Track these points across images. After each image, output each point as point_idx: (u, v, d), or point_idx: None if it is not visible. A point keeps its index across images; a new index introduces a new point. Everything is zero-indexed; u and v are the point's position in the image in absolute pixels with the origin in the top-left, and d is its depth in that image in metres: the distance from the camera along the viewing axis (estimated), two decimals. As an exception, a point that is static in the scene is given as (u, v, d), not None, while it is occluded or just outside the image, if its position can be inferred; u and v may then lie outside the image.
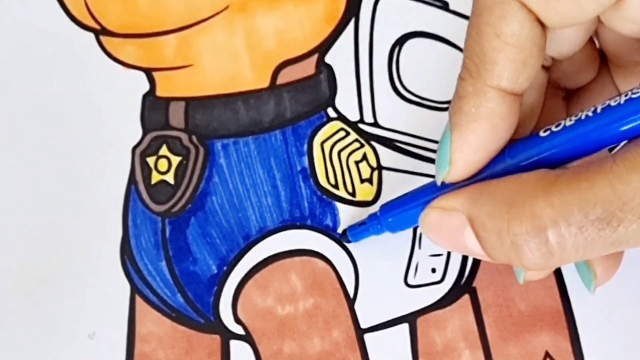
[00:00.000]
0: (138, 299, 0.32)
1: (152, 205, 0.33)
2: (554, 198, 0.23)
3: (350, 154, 0.34)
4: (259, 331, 0.32)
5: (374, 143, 0.34)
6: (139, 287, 0.33)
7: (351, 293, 0.32)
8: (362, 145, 0.34)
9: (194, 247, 0.33)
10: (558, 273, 0.32)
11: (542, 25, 0.24)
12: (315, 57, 0.35)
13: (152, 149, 0.34)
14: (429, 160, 0.34)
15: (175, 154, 0.34)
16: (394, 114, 0.34)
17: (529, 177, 0.24)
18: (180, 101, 0.35)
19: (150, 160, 0.34)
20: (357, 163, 0.34)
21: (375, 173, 0.34)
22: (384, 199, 0.33)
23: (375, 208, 0.31)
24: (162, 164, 0.34)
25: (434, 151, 0.34)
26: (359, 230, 0.31)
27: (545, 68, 0.28)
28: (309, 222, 0.33)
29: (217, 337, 0.32)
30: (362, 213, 0.33)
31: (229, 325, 0.32)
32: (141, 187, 0.34)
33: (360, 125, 0.34)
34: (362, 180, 0.34)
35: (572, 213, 0.22)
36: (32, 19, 0.36)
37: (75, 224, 0.33)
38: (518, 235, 0.23)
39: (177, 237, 0.33)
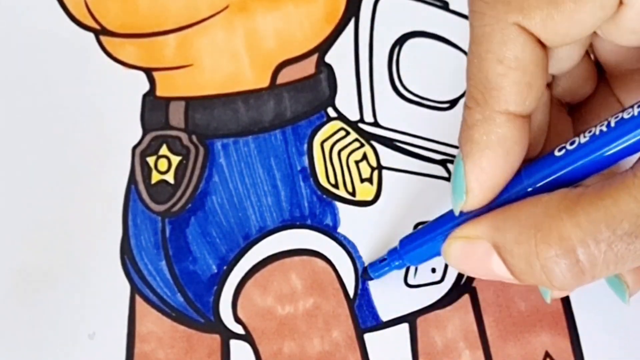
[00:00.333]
0: (138, 299, 0.32)
1: (152, 205, 0.33)
2: (580, 218, 0.23)
3: (350, 153, 0.34)
4: (259, 331, 0.32)
5: (374, 143, 0.34)
6: (139, 286, 0.33)
7: (351, 293, 0.32)
8: (362, 145, 0.34)
9: (194, 246, 0.33)
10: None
11: (543, 45, 0.24)
12: (315, 56, 0.35)
13: (152, 148, 0.34)
14: (429, 160, 0.34)
15: (175, 153, 0.34)
16: (394, 114, 0.34)
17: (551, 199, 0.24)
18: (180, 101, 0.35)
19: (150, 160, 0.34)
20: (357, 163, 0.34)
21: (375, 173, 0.34)
22: (384, 198, 0.33)
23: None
24: (162, 164, 0.34)
25: (434, 151, 0.34)
26: (381, 266, 0.31)
27: (547, 86, 0.28)
28: (309, 221, 0.33)
29: (217, 337, 0.32)
30: (362, 212, 0.33)
31: (229, 325, 0.32)
32: (141, 186, 0.34)
33: (360, 125, 0.34)
34: (362, 180, 0.34)
35: (600, 231, 0.22)
36: (32, 19, 0.36)
37: (75, 224, 0.33)
38: (548, 258, 0.23)
39: (177, 236, 0.33)
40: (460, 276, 0.32)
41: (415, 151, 0.34)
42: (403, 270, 0.32)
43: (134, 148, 0.34)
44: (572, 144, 0.24)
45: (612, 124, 0.24)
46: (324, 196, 0.33)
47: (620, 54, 0.27)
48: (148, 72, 0.35)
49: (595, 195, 0.23)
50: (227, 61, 0.35)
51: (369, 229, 0.33)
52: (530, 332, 0.31)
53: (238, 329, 0.32)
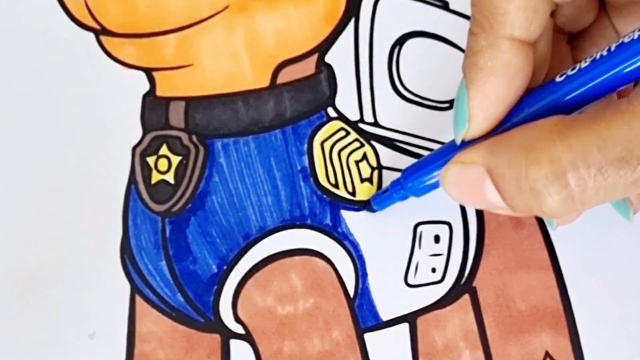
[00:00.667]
0: (138, 299, 0.32)
1: (152, 205, 0.33)
2: (571, 140, 0.22)
3: (350, 153, 0.34)
4: (259, 330, 0.32)
5: (374, 142, 0.34)
6: (139, 286, 0.33)
7: (351, 293, 0.32)
8: (362, 145, 0.34)
9: (194, 246, 0.33)
10: (558, 273, 0.32)
11: None
12: (315, 56, 0.35)
13: (152, 148, 0.34)
14: (429, 160, 0.34)
15: (176, 153, 0.34)
16: (394, 114, 0.34)
17: (545, 123, 0.24)
18: (180, 101, 0.35)
19: (151, 160, 0.34)
20: (357, 162, 0.34)
21: (375, 172, 0.34)
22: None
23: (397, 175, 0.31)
24: (162, 164, 0.34)
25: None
26: (383, 198, 0.31)
27: (550, 14, 0.28)
28: (309, 221, 0.33)
29: (217, 337, 0.32)
30: (361, 212, 0.33)
31: (229, 325, 0.32)
32: (141, 186, 0.34)
33: (361, 125, 0.34)
34: (362, 180, 0.34)
35: (590, 153, 0.22)
36: (32, 19, 0.36)
37: (75, 224, 0.33)
38: (537, 180, 0.23)
39: (177, 236, 0.33)
40: (460, 276, 0.32)
41: (415, 151, 0.34)
42: (403, 270, 0.32)
43: (134, 148, 0.34)
44: (573, 69, 0.24)
45: (613, 49, 0.23)
46: (324, 196, 0.33)
47: None
48: (148, 72, 0.35)
49: (589, 119, 0.22)
50: (227, 61, 0.35)
51: (369, 228, 0.33)
52: (530, 332, 0.31)
53: (238, 329, 0.32)
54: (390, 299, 0.32)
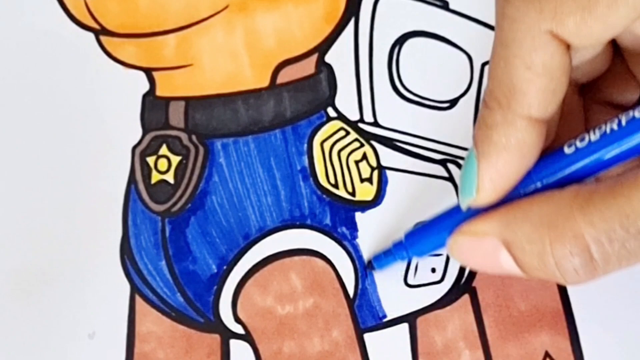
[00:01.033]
0: (138, 299, 0.32)
1: (152, 205, 0.33)
2: (593, 217, 0.23)
3: (350, 153, 0.34)
4: (259, 330, 0.32)
5: (373, 142, 0.34)
6: (139, 286, 0.33)
7: (351, 293, 0.32)
8: (362, 145, 0.34)
9: (193, 246, 0.33)
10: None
11: (569, 48, 0.24)
12: (315, 56, 0.35)
13: (152, 148, 0.34)
14: (429, 160, 0.34)
15: (175, 153, 0.34)
16: (394, 114, 0.34)
17: (563, 196, 0.24)
18: (180, 101, 0.35)
19: (150, 160, 0.34)
20: (357, 162, 0.34)
21: (375, 172, 0.34)
22: (384, 198, 0.33)
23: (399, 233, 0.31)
24: (162, 164, 0.34)
25: (434, 151, 0.34)
26: (385, 258, 0.32)
27: None
28: (308, 221, 0.33)
29: (217, 337, 0.32)
30: (361, 212, 0.33)
31: (228, 325, 0.32)
32: (141, 186, 0.34)
33: (360, 125, 0.34)
34: (362, 180, 0.34)
35: (613, 230, 0.23)
36: (32, 19, 0.36)
37: (75, 224, 0.33)
38: (562, 257, 0.24)
39: (177, 236, 0.33)
40: (460, 276, 0.32)
41: (415, 151, 0.34)
42: (403, 270, 0.32)
43: (134, 148, 0.34)
44: (582, 140, 0.25)
45: (623, 123, 0.24)
46: (324, 196, 0.33)
47: None
48: (148, 72, 0.35)
49: (608, 193, 0.23)
50: (227, 61, 0.35)
51: (369, 228, 0.33)
52: (530, 332, 0.31)
53: (238, 329, 0.32)
54: (390, 299, 0.32)
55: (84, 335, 0.32)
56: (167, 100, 0.35)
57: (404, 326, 0.32)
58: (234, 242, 0.33)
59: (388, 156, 0.34)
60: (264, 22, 0.36)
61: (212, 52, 0.35)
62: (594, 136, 0.24)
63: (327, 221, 0.33)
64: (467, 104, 0.35)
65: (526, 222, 0.24)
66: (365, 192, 0.33)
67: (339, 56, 0.35)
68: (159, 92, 0.35)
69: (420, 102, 0.35)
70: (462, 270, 0.32)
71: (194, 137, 0.34)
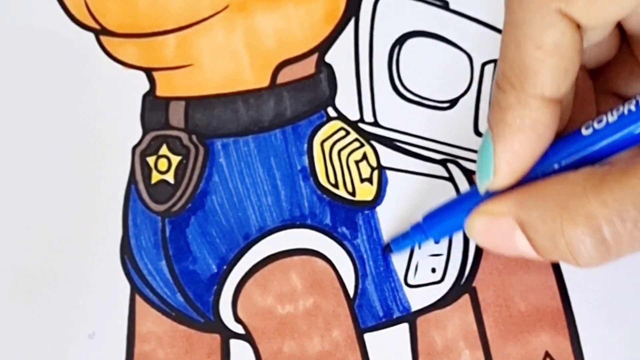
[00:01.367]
0: (138, 299, 0.32)
1: (152, 205, 0.33)
2: (606, 196, 0.23)
3: (350, 153, 0.34)
4: (259, 330, 0.32)
5: (374, 142, 0.34)
6: (139, 286, 0.33)
7: (351, 293, 0.32)
8: (362, 145, 0.34)
9: (193, 246, 0.33)
10: (558, 273, 0.32)
11: (580, 27, 0.24)
12: (315, 56, 0.35)
13: (152, 148, 0.34)
14: (429, 160, 0.34)
15: (175, 153, 0.34)
16: (394, 114, 0.34)
17: (577, 177, 0.24)
18: (180, 101, 0.35)
19: (150, 160, 0.34)
20: (357, 162, 0.34)
21: (376, 172, 0.34)
22: (384, 198, 0.33)
23: (417, 218, 0.31)
24: (162, 164, 0.34)
25: (434, 151, 0.34)
26: (403, 240, 0.32)
27: None
28: (308, 221, 0.33)
29: (217, 337, 0.32)
30: (361, 212, 0.33)
31: (229, 325, 0.32)
32: (141, 186, 0.34)
33: (360, 125, 0.34)
34: (362, 180, 0.34)
35: (626, 210, 0.23)
36: (32, 19, 0.36)
37: (75, 224, 0.33)
38: (573, 236, 0.24)
39: (177, 236, 0.33)
40: (460, 276, 0.32)
41: (415, 151, 0.34)
42: (403, 270, 0.32)
43: (134, 148, 0.34)
44: (599, 122, 0.25)
45: None
46: (324, 196, 0.33)
47: None
48: (148, 72, 0.35)
49: (622, 173, 0.23)
50: (227, 61, 0.35)
51: (369, 228, 0.33)
52: (530, 332, 0.31)
53: (238, 329, 0.32)
54: (390, 299, 0.32)
55: (84, 335, 0.32)
56: (167, 100, 0.35)
57: (404, 326, 0.32)
58: (234, 242, 0.33)
59: (388, 156, 0.34)
60: (264, 22, 0.36)
61: (212, 52, 0.35)
62: (612, 117, 0.24)
63: (327, 221, 0.33)
64: (467, 104, 0.35)
65: (540, 202, 0.25)
66: (365, 192, 0.33)
67: (339, 56, 0.35)
68: (159, 92, 0.35)
69: (420, 102, 0.35)
70: (462, 270, 0.32)
71: (194, 137, 0.34)
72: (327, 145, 0.34)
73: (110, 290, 0.32)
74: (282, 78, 0.35)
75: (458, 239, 0.33)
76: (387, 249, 0.32)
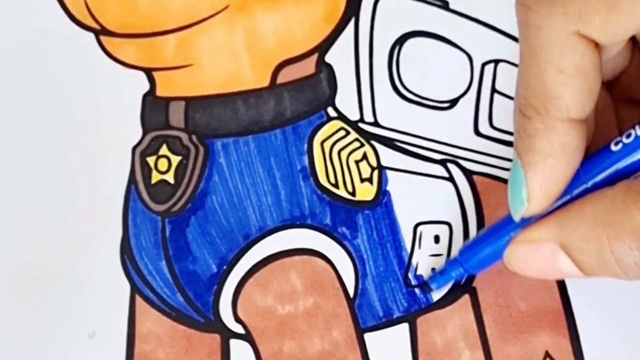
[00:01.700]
0: (138, 299, 0.32)
1: (152, 205, 0.33)
2: None
3: (350, 153, 0.34)
4: (259, 330, 0.32)
5: (374, 142, 0.34)
6: (139, 286, 0.33)
7: (351, 293, 0.32)
8: (362, 145, 0.34)
9: (193, 246, 0.33)
10: (558, 273, 0.32)
11: (598, 46, 0.24)
12: (315, 56, 0.35)
13: (152, 148, 0.34)
14: (429, 160, 0.34)
15: (175, 153, 0.34)
16: (394, 113, 0.34)
17: (616, 193, 0.24)
18: (180, 101, 0.35)
19: (150, 160, 0.34)
20: (357, 162, 0.34)
21: (376, 172, 0.34)
22: (384, 198, 0.33)
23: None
24: (162, 164, 0.34)
25: (434, 151, 0.34)
26: (441, 278, 0.32)
27: None
28: (309, 221, 0.33)
29: (217, 337, 0.32)
30: (362, 212, 0.33)
31: (229, 325, 0.32)
32: (141, 186, 0.34)
33: (361, 125, 0.34)
34: (362, 180, 0.34)
35: None
36: (32, 19, 0.36)
37: (75, 224, 0.33)
38: (622, 252, 0.24)
39: (177, 236, 0.33)
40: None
41: (415, 151, 0.34)
42: (403, 270, 0.32)
43: (134, 148, 0.34)
44: (628, 137, 0.25)
45: None
46: (324, 196, 0.33)
47: None
48: (148, 72, 0.35)
49: None
50: (227, 61, 0.35)
51: (369, 228, 0.33)
52: (530, 332, 0.31)
53: (238, 329, 0.32)
54: (390, 299, 0.32)
55: (84, 335, 0.32)
56: (167, 100, 0.35)
57: (404, 326, 0.32)
58: (234, 242, 0.33)
59: (388, 156, 0.34)
60: (264, 22, 0.36)
61: (212, 52, 0.35)
62: None
63: (327, 221, 0.33)
64: (467, 104, 0.35)
65: (582, 223, 0.25)
66: (365, 192, 0.33)
67: (339, 56, 0.35)
68: (159, 92, 0.35)
69: (420, 102, 0.35)
70: (462, 270, 0.32)
71: (194, 137, 0.34)
72: (327, 145, 0.34)
73: (110, 290, 0.32)
74: (282, 78, 0.35)
75: (458, 239, 0.33)
76: (425, 288, 0.32)
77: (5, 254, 0.33)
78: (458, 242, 0.33)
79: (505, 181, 0.33)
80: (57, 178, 0.34)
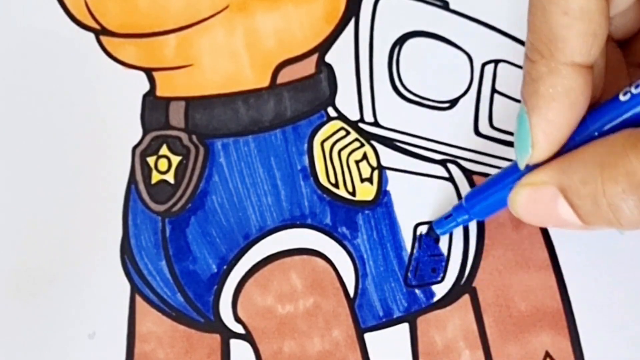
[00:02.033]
0: (138, 299, 0.32)
1: (152, 205, 0.33)
2: None
3: (350, 153, 0.34)
4: (259, 330, 0.32)
5: (374, 142, 0.34)
6: (139, 286, 0.33)
7: (351, 292, 0.32)
8: (362, 145, 0.34)
9: (194, 246, 0.33)
10: (558, 273, 0.32)
11: None
12: (315, 56, 0.35)
13: (152, 148, 0.34)
14: (429, 160, 0.34)
15: (176, 153, 0.34)
16: (394, 114, 0.34)
17: (616, 138, 0.24)
18: (180, 101, 0.35)
19: (151, 160, 0.34)
20: (357, 162, 0.34)
21: (376, 172, 0.34)
22: (384, 198, 0.33)
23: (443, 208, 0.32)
24: (162, 164, 0.34)
25: (434, 151, 0.34)
26: (446, 223, 0.32)
27: None
28: (309, 221, 0.33)
29: (217, 337, 0.32)
30: (362, 212, 0.33)
31: (229, 325, 0.32)
32: (141, 186, 0.34)
33: (361, 125, 0.34)
34: (362, 180, 0.34)
35: None
36: (32, 19, 0.36)
37: (75, 224, 0.33)
38: (615, 195, 0.23)
39: (177, 236, 0.33)
40: (460, 276, 0.32)
41: (415, 151, 0.34)
42: (403, 270, 0.32)
43: (134, 148, 0.34)
44: (637, 87, 0.25)
45: None
46: (324, 196, 0.33)
47: None
48: (148, 72, 0.35)
49: None
50: (227, 61, 0.35)
51: (369, 228, 0.33)
52: (530, 332, 0.31)
53: (238, 329, 0.32)
54: (390, 299, 0.32)
55: (84, 335, 0.32)
56: (168, 100, 0.35)
57: (404, 326, 0.32)
58: (234, 242, 0.33)
59: (388, 156, 0.34)
60: (264, 22, 0.36)
61: (212, 52, 0.35)
62: None
63: (328, 221, 0.33)
64: (467, 104, 0.35)
65: (580, 166, 0.24)
66: (366, 192, 0.33)
67: (339, 56, 0.35)
68: (159, 92, 0.35)
69: (420, 102, 0.35)
70: (462, 270, 0.32)
71: (194, 137, 0.34)
72: (327, 145, 0.34)
73: (110, 290, 0.32)
74: (282, 78, 0.35)
75: (458, 239, 0.33)
76: (430, 232, 0.32)
77: (5, 254, 0.33)
78: (458, 242, 0.33)
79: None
80: (57, 178, 0.34)
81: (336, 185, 0.33)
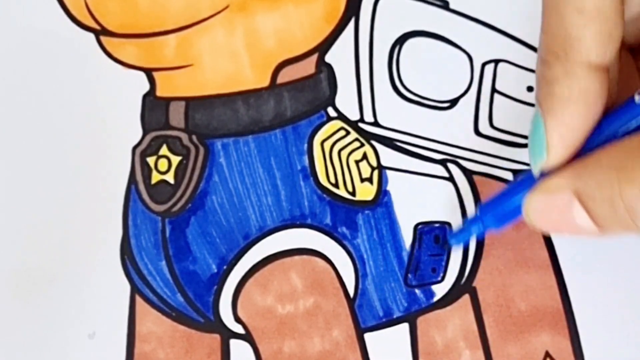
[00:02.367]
0: (138, 299, 0.32)
1: (152, 205, 0.33)
2: None
3: (350, 153, 0.34)
4: (259, 330, 0.32)
5: (374, 142, 0.34)
6: (139, 286, 0.33)
7: (351, 292, 0.32)
8: (362, 145, 0.34)
9: (194, 246, 0.33)
10: (558, 273, 0.32)
11: None
12: (315, 56, 0.35)
13: (152, 148, 0.34)
14: (429, 160, 0.34)
15: (175, 153, 0.34)
16: (394, 113, 0.34)
17: (632, 141, 0.23)
18: (180, 101, 0.35)
19: (150, 160, 0.34)
20: (357, 162, 0.34)
21: (376, 172, 0.34)
22: (384, 198, 0.33)
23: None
24: (162, 164, 0.34)
25: (434, 151, 0.34)
26: (461, 233, 0.32)
27: None
28: (309, 221, 0.33)
29: (217, 337, 0.32)
30: (362, 212, 0.33)
31: (229, 325, 0.32)
32: (141, 187, 0.34)
33: (361, 125, 0.34)
34: (362, 180, 0.34)
35: None
36: (32, 19, 0.36)
37: (75, 224, 0.33)
38: (632, 198, 0.23)
39: (177, 236, 0.33)
40: (460, 276, 0.32)
41: (416, 151, 0.34)
42: (403, 270, 0.32)
43: (134, 148, 0.34)
44: None
45: None
46: (324, 195, 0.33)
47: None
48: (148, 72, 0.35)
49: None
50: (227, 61, 0.35)
51: (369, 228, 0.33)
52: (530, 332, 0.31)
53: (238, 329, 0.32)
54: (390, 298, 0.32)
55: (84, 335, 0.32)
56: (168, 100, 0.35)
57: (404, 326, 0.32)
58: (234, 242, 0.33)
59: (388, 156, 0.34)
60: (264, 22, 0.36)
61: (212, 52, 0.35)
62: None
63: (328, 221, 0.33)
64: (467, 104, 0.35)
65: (595, 170, 0.24)
66: (366, 191, 0.33)
67: (339, 56, 0.35)
68: (159, 92, 0.35)
69: (420, 102, 0.35)
70: (462, 270, 0.32)
71: (194, 137, 0.34)
72: (327, 145, 0.34)
73: (110, 290, 0.32)
74: (282, 78, 0.35)
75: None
76: (445, 246, 0.32)
77: (5, 254, 0.33)
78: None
79: (505, 181, 0.33)
80: (57, 178, 0.34)
81: (336, 185, 0.33)
